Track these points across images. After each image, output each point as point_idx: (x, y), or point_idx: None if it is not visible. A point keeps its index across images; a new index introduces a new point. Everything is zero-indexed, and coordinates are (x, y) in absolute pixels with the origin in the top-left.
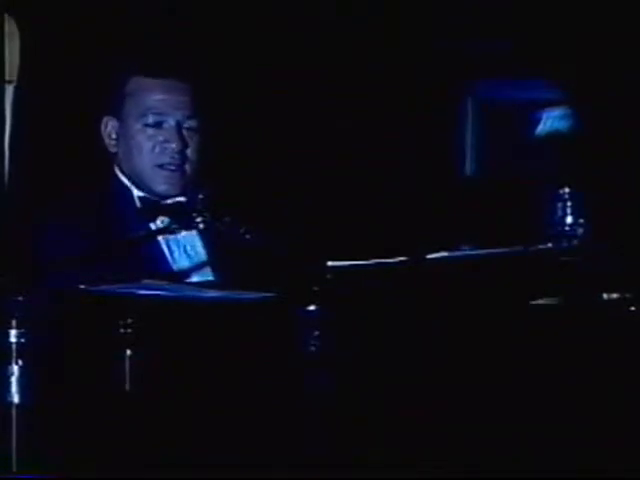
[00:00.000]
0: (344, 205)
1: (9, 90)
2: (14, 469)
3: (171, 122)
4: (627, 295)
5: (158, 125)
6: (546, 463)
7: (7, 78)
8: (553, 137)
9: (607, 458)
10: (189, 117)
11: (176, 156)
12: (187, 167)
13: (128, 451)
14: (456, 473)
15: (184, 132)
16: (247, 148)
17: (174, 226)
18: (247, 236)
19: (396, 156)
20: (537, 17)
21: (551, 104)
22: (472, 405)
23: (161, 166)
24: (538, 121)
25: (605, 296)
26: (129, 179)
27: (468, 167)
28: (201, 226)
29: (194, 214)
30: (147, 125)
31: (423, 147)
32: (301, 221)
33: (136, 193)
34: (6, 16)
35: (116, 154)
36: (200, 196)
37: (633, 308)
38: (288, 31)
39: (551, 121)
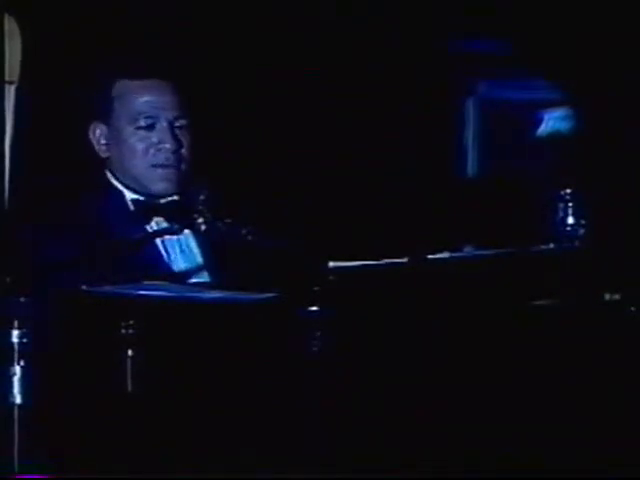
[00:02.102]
0: (345, 205)
1: (9, 90)
2: (16, 469)
3: (163, 123)
4: (627, 295)
5: (150, 127)
6: (546, 463)
7: (7, 78)
8: (554, 138)
9: (607, 458)
10: (180, 116)
11: (171, 156)
12: (183, 166)
13: (129, 451)
14: (456, 473)
15: (177, 131)
16: (248, 148)
17: (176, 227)
18: (249, 237)
19: (396, 156)
20: (537, 17)
21: (552, 105)
22: (473, 405)
23: (156, 166)
24: (539, 122)
25: (605, 296)
26: (122, 183)
27: (469, 168)
28: (202, 227)
29: (195, 214)
30: (139, 128)
31: (423, 147)
32: (302, 221)
33: (129, 196)
34: (6, 16)
35: (107, 159)
36: (201, 197)
37: (633, 308)
38: (288, 31)
39: (552, 122)
